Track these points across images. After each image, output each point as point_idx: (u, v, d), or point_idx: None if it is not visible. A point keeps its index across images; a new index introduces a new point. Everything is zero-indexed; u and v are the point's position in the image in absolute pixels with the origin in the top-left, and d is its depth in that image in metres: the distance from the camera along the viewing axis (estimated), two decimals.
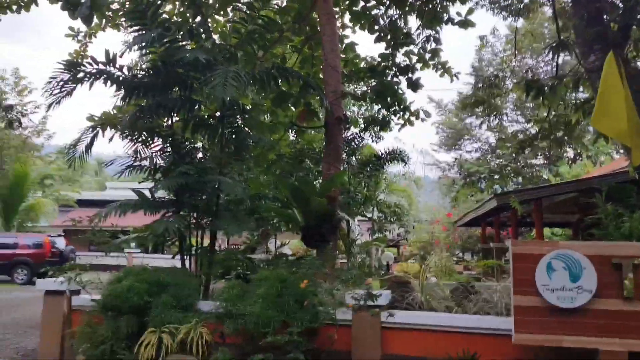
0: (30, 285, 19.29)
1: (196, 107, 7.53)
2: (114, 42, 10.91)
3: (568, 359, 4.89)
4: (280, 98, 7.99)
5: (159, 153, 7.40)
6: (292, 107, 8.79)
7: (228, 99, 6.24)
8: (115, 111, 11.77)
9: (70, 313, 6.78)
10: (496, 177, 13.60)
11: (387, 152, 12.26)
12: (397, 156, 12.12)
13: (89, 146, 7.59)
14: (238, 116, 7.83)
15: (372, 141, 13.02)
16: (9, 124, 10.39)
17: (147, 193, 7.35)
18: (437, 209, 34.76)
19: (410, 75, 11.64)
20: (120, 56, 7.73)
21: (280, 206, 7.73)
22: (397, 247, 30.11)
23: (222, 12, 10.38)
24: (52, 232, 24.37)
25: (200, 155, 7.77)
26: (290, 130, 10.06)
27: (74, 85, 7.66)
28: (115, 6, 10.93)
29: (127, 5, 9.52)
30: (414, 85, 11.66)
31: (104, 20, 11.77)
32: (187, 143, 7.55)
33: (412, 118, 12.37)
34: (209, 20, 9.60)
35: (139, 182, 7.93)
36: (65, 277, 6.59)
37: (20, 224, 24.66)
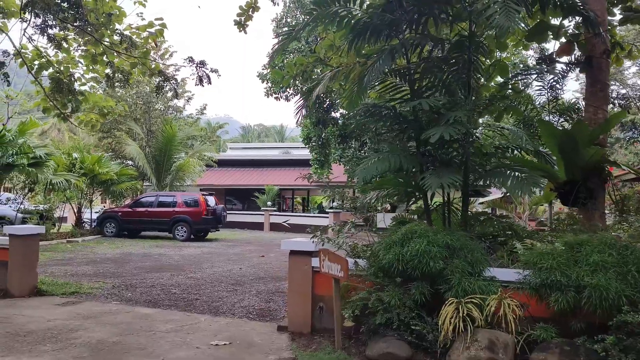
0: (190, 242, 20.12)
1: (438, 45, 6.57)
2: None
3: None
4: (537, 30, 6.77)
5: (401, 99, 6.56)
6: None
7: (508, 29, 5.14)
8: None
9: (314, 275, 6.34)
10: None
11: None
12: None
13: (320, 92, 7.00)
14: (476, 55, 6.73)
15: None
16: (199, 80, 10.18)
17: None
18: None
19: None
20: None
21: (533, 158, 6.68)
22: None
23: None
24: (194, 191, 25.36)
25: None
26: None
27: (297, 29, 7.05)
28: None
29: None
30: None
31: None
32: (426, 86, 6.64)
33: None
34: None
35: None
36: (319, 237, 6.08)
37: (170, 183, 25.81)
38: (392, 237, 5.37)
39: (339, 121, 20.30)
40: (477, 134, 6.06)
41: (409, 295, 5.04)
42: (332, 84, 7.24)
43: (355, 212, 7.01)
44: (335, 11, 6.50)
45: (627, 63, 32.29)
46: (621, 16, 9.60)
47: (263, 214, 29.80)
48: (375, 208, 8.47)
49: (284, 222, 28.63)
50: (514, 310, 4.68)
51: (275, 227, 28.88)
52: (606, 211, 7.08)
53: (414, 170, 6.36)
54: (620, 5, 9.19)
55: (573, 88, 29.54)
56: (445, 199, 6.29)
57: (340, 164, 21.29)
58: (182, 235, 20.66)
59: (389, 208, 20.51)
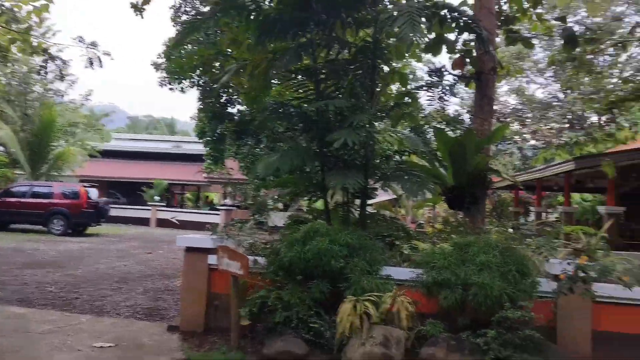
0: (68, 236, 18.65)
1: (344, 48, 6.70)
2: None
3: None
4: (435, 43, 7.13)
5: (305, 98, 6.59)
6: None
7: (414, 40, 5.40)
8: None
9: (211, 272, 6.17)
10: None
11: None
12: None
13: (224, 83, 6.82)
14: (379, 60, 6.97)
15: None
16: (90, 62, 9.46)
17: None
18: None
19: None
20: None
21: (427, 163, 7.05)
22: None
23: None
24: (75, 182, 23.63)
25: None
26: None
27: (202, 20, 6.84)
28: None
29: None
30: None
31: None
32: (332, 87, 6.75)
33: None
34: None
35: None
36: (219, 234, 5.92)
37: (47, 172, 23.75)
38: (293, 235, 5.38)
39: (236, 117, 19.98)
40: (377, 138, 6.27)
41: (309, 294, 5.08)
42: (237, 78, 7.09)
43: (253, 210, 6.91)
44: (244, 4, 6.38)
45: (501, 81, 35.45)
46: (503, 38, 10.50)
47: (150, 209, 28.47)
48: (267, 206, 8.46)
49: (172, 218, 27.57)
50: (407, 307, 4.89)
51: (162, 223, 27.70)
52: None
53: (317, 169, 6.43)
54: (503, 28, 10.05)
55: (454, 101, 31.67)
56: (345, 199, 6.43)
57: (235, 160, 20.94)
58: (59, 229, 19.07)
59: (281, 207, 20.60)
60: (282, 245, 5.37)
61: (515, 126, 32.26)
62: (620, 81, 14.62)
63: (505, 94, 34.63)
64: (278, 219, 9.16)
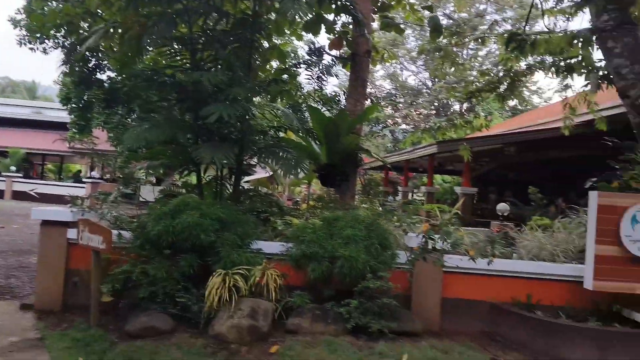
0: None
1: (223, 18, 6.53)
2: None
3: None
4: (314, 22, 7.17)
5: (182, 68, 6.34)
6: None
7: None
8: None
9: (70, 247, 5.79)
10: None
11: None
12: None
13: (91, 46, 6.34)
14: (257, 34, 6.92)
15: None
16: None
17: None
18: None
19: None
20: None
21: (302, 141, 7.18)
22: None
23: None
24: None
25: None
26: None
27: None
28: None
29: None
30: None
31: None
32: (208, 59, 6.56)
33: None
34: None
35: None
36: (79, 206, 5.54)
37: None
38: (162, 209, 5.21)
39: (105, 84, 18.62)
40: (254, 113, 6.25)
41: (177, 268, 4.98)
42: (107, 41, 6.61)
43: (121, 183, 6.56)
44: None
45: (377, 66, 37.07)
46: (378, 24, 10.95)
47: (5, 180, 25.78)
48: (139, 180, 8.12)
49: (30, 190, 25.23)
50: (275, 279, 5.01)
51: (19, 195, 25.24)
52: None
53: (189, 142, 6.26)
54: (379, 14, 10.46)
55: (334, 82, 32.43)
56: (219, 173, 6.35)
57: (103, 130, 19.57)
58: None
59: (154, 181, 19.74)
60: (150, 218, 5.19)
61: (389, 110, 33.98)
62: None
63: (381, 79, 36.24)
64: (149, 192, 8.80)
